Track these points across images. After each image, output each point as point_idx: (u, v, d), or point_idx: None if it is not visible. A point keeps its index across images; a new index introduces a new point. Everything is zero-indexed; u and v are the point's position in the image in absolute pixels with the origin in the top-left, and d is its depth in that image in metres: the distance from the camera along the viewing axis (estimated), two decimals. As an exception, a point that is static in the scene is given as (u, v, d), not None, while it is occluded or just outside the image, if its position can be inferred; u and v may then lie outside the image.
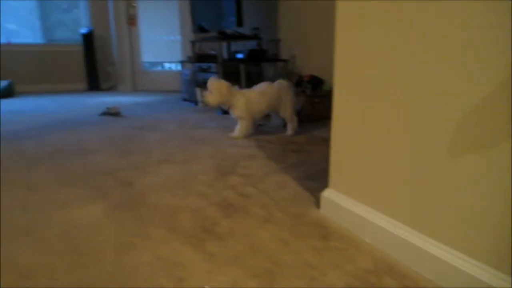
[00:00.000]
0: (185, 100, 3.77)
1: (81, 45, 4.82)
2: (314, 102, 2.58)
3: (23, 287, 0.80)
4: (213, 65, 3.34)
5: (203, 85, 3.42)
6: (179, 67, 4.66)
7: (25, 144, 2.07)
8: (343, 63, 1.02)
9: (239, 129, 2.17)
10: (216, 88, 2.07)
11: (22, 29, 4.90)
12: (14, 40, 4.79)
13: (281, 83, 2.22)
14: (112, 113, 2.93)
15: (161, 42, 4.98)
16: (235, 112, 2.14)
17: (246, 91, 2.19)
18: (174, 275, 0.83)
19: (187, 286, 0.80)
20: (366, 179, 0.99)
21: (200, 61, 3.59)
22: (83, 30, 4.79)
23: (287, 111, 2.20)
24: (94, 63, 4.89)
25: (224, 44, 3.55)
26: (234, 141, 2.09)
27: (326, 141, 1.95)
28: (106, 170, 1.59)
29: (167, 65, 5.19)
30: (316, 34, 3.12)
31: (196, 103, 3.55)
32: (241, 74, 3.06)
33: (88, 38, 4.79)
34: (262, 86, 2.20)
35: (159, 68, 5.19)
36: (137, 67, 5.00)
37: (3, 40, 4.69)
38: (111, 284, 0.80)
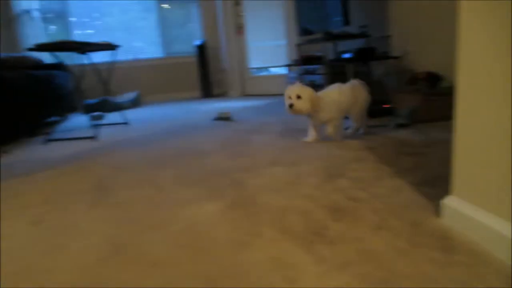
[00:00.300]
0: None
1: (195, 56, 5.28)
2: (431, 100, 2.37)
3: (153, 274, 0.90)
4: (319, 66, 3.32)
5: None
6: (284, 71, 4.76)
7: (152, 147, 2.35)
8: (468, 58, 0.91)
9: (331, 131, 2.12)
10: (308, 95, 2.01)
11: (147, 45, 5.58)
12: (140, 56, 5.49)
13: (354, 83, 2.14)
14: (223, 117, 3.14)
15: (267, 47, 5.16)
16: (324, 116, 2.09)
17: (326, 93, 2.12)
18: (286, 275, 0.85)
19: (299, 287, 0.80)
20: (499, 187, 0.87)
21: (305, 63, 3.60)
22: (197, 42, 5.23)
23: (356, 111, 2.14)
24: (206, 72, 5.31)
25: (330, 45, 3.50)
26: (341, 144, 2.04)
27: (444, 143, 1.77)
28: (220, 171, 1.71)
29: (273, 70, 5.35)
30: (432, 28, 2.86)
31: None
32: (347, 74, 2.98)
33: (201, 49, 5.22)
34: (336, 88, 2.13)
35: (266, 73, 5.37)
36: (245, 73, 5.26)
37: (132, 57, 5.41)
38: (229, 280, 0.85)
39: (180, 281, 0.86)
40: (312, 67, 3.53)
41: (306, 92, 2.02)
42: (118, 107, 4.29)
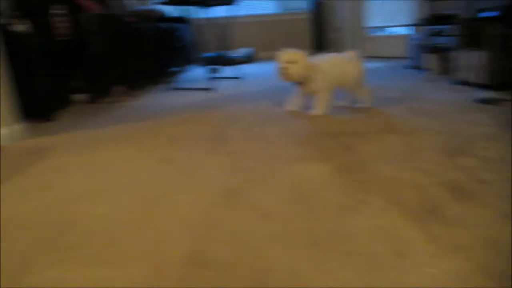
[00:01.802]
0: (410, 67, 3.51)
1: (309, 13, 5.12)
2: None
3: (262, 225, 0.96)
4: (450, 27, 2.94)
5: (437, 50, 3.08)
6: (405, 31, 4.34)
7: (262, 103, 2.42)
8: None
9: (318, 105, 1.98)
10: (302, 61, 1.88)
11: (261, 1, 5.58)
12: (256, 11, 5.54)
13: (350, 55, 2.05)
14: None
15: (387, 5, 4.71)
16: (312, 86, 1.96)
17: (319, 62, 1.96)
18: (393, 247, 0.83)
19: (407, 262, 0.78)
20: None
21: (434, 23, 3.22)
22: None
23: (348, 85, 2.07)
24: (321, 30, 5.13)
25: (466, 2, 3.04)
26: (468, 117, 1.82)
27: None
28: (329, 133, 1.69)
29: (393, 30, 4.91)
30: None
31: (423, 70, 3.25)
32: (487, 37, 2.58)
33: (317, 5, 5.03)
34: (330, 58, 2.05)
35: (385, 33, 4.97)
36: (361, 33, 4.94)
37: (249, 12, 5.49)
38: (334, 242, 0.87)
39: (286, 236, 0.90)
40: (442, 27, 3.13)
41: (300, 57, 1.90)
42: (233, 62, 4.48)
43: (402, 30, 4.67)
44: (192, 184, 1.23)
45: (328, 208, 1.02)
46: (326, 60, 2.02)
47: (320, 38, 5.14)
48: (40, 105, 2.20)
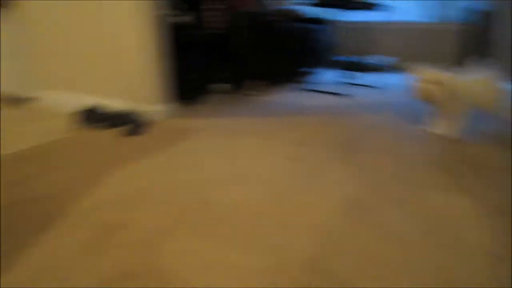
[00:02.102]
0: None
1: (465, 24, 4.59)
2: None
3: (388, 251, 0.91)
4: None
5: None
6: None
7: (399, 118, 2.28)
8: None
9: (453, 126, 1.80)
10: (447, 81, 1.71)
11: (411, 7, 5.22)
12: (403, 18, 5.20)
13: (491, 74, 1.84)
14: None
15: None
16: (450, 107, 1.78)
17: (459, 81, 1.78)
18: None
19: None
20: None
21: None
22: (474, 6, 4.52)
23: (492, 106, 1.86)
24: (478, 44, 4.57)
25: None
26: None
27: None
28: (473, 163, 1.50)
29: None
30: None
31: None
32: None
33: (480, 17, 4.48)
34: (471, 75, 1.86)
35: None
36: (530, 52, 4.23)
37: (389, 18, 5.20)
38: None
39: (418, 269, 0.83)
40: None
41: (446, 79, 1.71)
42: (369, 69, 4.33)
43: None
44: (319, 188, 1.24)
45: (477, 255, 0.90)
46: (467, 79, 1.84)
47: (475, 52, 4.58)
48: (190, 89, 2.47)
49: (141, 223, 1.00)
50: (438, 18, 5.07)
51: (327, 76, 4.12)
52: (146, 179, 1.28)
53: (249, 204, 1.11)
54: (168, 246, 0.89)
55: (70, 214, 1.04)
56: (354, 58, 4.55)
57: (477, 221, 1.04)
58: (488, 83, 1.85)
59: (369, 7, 3.14)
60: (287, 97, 2.87)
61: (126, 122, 1.90)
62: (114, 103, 2.14)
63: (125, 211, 1.06)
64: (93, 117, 1.89)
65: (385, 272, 0.81)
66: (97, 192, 1.18)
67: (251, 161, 1.47)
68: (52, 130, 1.86)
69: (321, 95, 2.98)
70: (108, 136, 1.78)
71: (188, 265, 0.82)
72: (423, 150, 1.64)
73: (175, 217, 1.03)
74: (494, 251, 0.89)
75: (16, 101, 2.54)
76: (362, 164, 1.46)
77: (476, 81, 1.86)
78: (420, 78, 1.81)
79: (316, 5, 3.01)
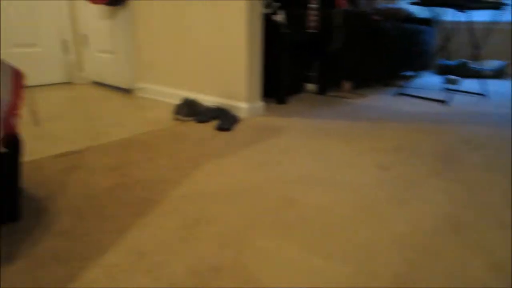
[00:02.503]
0: None
1: None
2: None
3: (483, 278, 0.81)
4: None
5: None
6: None
7: (505, 128, 2.01)
8: None
9: None
10: None
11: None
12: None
13: None
14: None
15: None
16: None
17: None
18: None
19: None
20: None
21: None
22: None
23: None
24: None
25: None
26: None
27: None
28: None
29: None
30: None
31: None
32: None
33: None
34: None
35: None
36: None
37: (507, 18, 4.59)
38: None
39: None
40: None
41: None
42: (477, 74, 3.90)
43: None
44: (410, 202, 1.15)
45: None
46: None
47: None
48: (279, 88, 2.49)
49: (227, 218, 1.03)
50: None
51: (430, 81, 3.82)
52: (234, 175, 1.33)
53: (335, 209, 1.08)
54: (253, 243, 0.91)
55: (163, 202, 1.12)
56: (460, 62, 4.15)
57: None
58: None
59: (492, 6, 2.79)
60: (382, 101, 2.73)
61: (219, 117, 1.99)
62: (210, 99, 2.25)
63: (213, 204, 1.11)
64: (190, 111, 2.02)
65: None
66: (187, 183, 1.25)
67: (338, 165, 1.43)
68: (153, 121, 2.03)
69: (420, 101, 2.77)
70: (201, 129, 1.88)
71: (272, 265, 0.83)
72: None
73: (260, 214, 1.05)
74: None
75: (125, 92, 2.83)
76: (462, 179, 1.32)
77: None
78: None
79: (424, 4, 2.79)
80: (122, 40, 2.76)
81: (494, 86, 3.57)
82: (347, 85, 3.05)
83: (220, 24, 2.10)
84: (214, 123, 1.96)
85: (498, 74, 4.23)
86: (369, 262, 0.84)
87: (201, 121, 1.99)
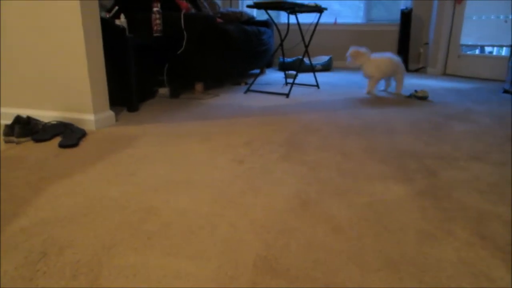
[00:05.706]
0: (507, 91, 3.20)
1: (397, 24, 4.92)
2: None
3: (332, 239, 0.94)
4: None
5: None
6: (506, 52, 3.98)
7: (339, 113, 2.37)
8: None
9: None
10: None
11: (345, 9, 5.48)
12: (339, 20, 5.45)
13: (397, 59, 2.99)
14: (419, 96, 2.88)
15: (487, 22, 4.35)
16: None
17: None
18: (479, 285, 0.76)
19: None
20: None
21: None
22: (402, 7, 4.86)
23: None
24: (407, 43, 4.91)
25: None
26: None
27: None
28: (410, 153, 1.60)
29: (487, 49, 4.53)
30: None
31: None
32: None
33: (405, 17, 4.82)
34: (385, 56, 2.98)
35: (477, 51, 4.60)
36: (453, 50, 4.62)
37: (330, 20, 5.42)
38: (413, 268, 0.82)
39: (360, 254, 0.87)
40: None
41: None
42: (310, 69, 4.46)
43: (499, 51, 4.29)
44: (264, 188, 1.24)
45: (407, 232, 0.97)
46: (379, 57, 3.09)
47: (406, 51, 4.91)
48: (130, 95, 2.38)
49: (82, 242, 0.94)
50: (378, 20, 5.37)
51: (272, 77, 4.19)
52: (86, 193, 1.21)
53: (195, 210, 1.09)
54: (111, 262, 0.85)
55: (2, 237, 0.95)
56: (296, 59, 4.67)
57: (410, 203, 1.10)
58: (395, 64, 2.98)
59: (315, 10, 3.21)
60: (231, 99, 2.87)
61: (62, 133, 1.78)
62: (51, 114, 2.00)
63: (64, 230, 0.99)
64: (25, 130, 1.75)
65: (332, 265, 0.83)
66: (28, 213, 1.09)
67: (196, 166, 1.45)
68: (-24, 146, 1.69)
69: (265, 96, 3.02)
70: (41, 149, 1.65)
71: (136, 280, 0.78)
72: (363, 143, 1.72)
73: (119, 230, 0.98)
74: (425, 229, 0.96)
75: None
76: (306, 160, 1.50)
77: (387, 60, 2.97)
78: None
79: (259, 7, 3.04)
80: None
81: (324, 77, 4.14)
82: (199, 86, 3.11)
83: (50, 27, 1.88)
84: (57, 140, 1.75)
85: (326, 67, 4.93)
86: (231, 253, 0.87)
87: (39, 140, 1.75)
